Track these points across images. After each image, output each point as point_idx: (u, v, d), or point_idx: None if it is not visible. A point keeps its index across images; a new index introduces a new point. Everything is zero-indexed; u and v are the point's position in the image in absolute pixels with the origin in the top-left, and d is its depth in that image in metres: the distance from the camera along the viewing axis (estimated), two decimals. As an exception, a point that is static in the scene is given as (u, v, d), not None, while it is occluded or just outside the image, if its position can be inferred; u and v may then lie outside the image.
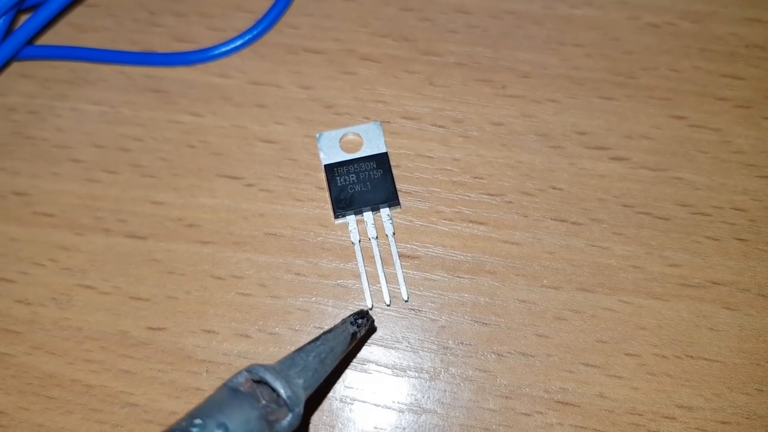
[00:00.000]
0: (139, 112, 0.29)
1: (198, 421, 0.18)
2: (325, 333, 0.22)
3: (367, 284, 0.26)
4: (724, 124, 0.28)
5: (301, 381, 0.20)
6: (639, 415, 0.24)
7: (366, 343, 0.25)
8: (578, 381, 0.25)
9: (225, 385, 0.19)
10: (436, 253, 0.26)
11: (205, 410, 0.18)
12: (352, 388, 0.25)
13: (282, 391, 0.19)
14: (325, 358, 0.21)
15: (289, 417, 0.19)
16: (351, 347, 0.22)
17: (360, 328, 0.22)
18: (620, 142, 0.28)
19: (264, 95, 0.29)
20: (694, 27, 0.30)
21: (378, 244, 0.26)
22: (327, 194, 0.27)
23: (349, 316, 0.23)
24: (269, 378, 0.19)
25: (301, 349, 0.21)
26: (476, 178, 0.27)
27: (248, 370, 0.19)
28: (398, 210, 0.27)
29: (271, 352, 0.25)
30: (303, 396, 0.19)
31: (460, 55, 0.29)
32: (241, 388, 0.19)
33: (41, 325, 0.25)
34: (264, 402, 0.19)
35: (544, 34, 0.30)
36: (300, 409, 0.19)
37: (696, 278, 0.26)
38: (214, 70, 0.29)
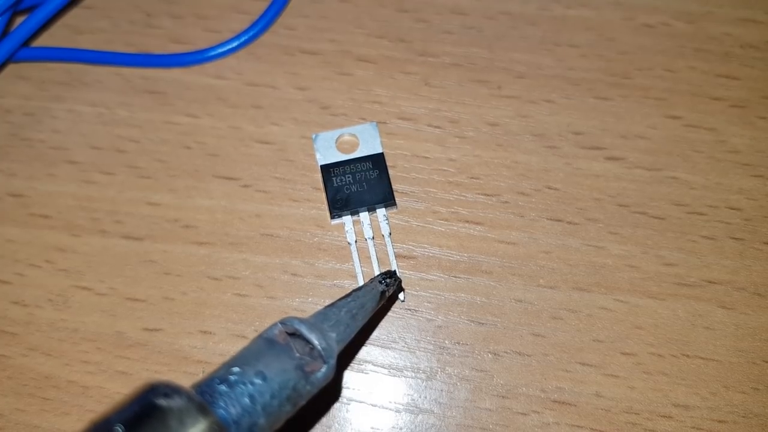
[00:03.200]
0: (135, 113, 0.29)
1: (236, 369, 0.18)
2: (355, 290, 0.22)
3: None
4: (719, 124, 0.28)
5: (334, 334, 0.20)
6: (636, 414, 0.24)
7: (367, 342, 0.25)
8: (575, 380, 0.25)
9: (260, 336, 0.19)
10: (432, 253, 0.26)
11: (242, 359, 0.18)
12: (348, 388, 0.25)
13: (317, 343, 0.19)
14: (357, 313, 0.21)
15: (324, 369, 0.19)
16: (380, 305, 0.22)
17: (388, 287, 0.23)
18: (616, 142, 0.28)
19: (260, 96, 0.29)
20: (689, 27, 0.30)
21: (374, 245, 0.26)
22: (323, 195, 0.27)
23: (377, 275, 0.23)
24: (304, 330, 0.19)
25: (332, 304, 0.21)
26: (472, 178, 0.27)
27: (282, 322, 0.19)
28: (394, 210, 0.27)
29: (268, 353, 0.25)
30: (336, 348, 0.19)
31: (455, 56, 0.30)
32: (277, 339, 0.19)
33: (37, 327, 0.25)
34: (298, 354, 0.19)
35: (539, 35, 0.30)
36: (334, 361, 0.19)
37: (692, 277, 0.26)
38: (211, 71, 0.29)
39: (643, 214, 0.27)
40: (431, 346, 0.25)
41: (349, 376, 0.25)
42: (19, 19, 0.29)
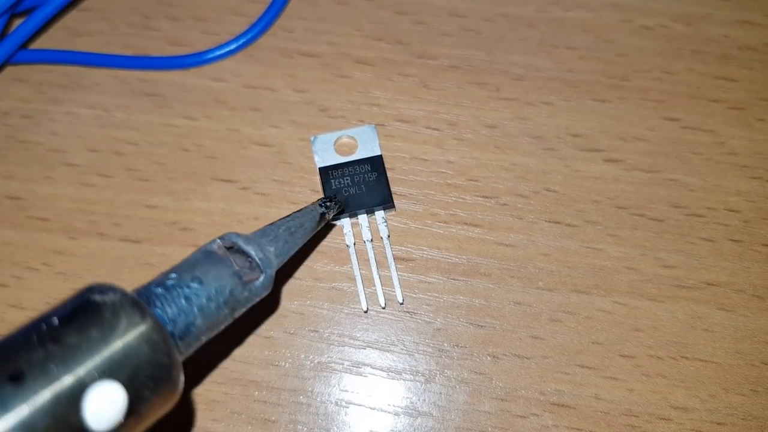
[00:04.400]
0: (133, 115, 0.29)
1: (173, 275, 0.18)
2: (294, 212, 0.22)
3: (362, 287, 0.26)
4: (717, 126, 0.28)
5: (272, 248, 0.20)
6: (635, 416, 0.24)
7: (361, 345, 0.25)
8: (574, 383, 0.25)
9: (199, 249, 0.20)
10: (431, 255, 0.26)
11: (180, 267, 0.19)
12: (347, 391, 0.25)
13: (254, 254, 0.20)
14: (295, 231, 0.22)
15: (262, 277, 0.19)
16: (319, 228, 0.23)
17: (328, 210, 0.23)
18: (614, 144, 0.28)
19: (258, 99, 0.29)
20: (687, 29, 0.30)
21: (373, 247, 0.26)
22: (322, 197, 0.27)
23: (318, 199, 0.24)
24: (241, 242, 0.20)
25: (271, 223, 0.21)
26: (471, 180, 0.27)
27: (220, 237, 0.20)
28: (393, 213, 0.27)
29: (266, 356, 0.25)
30: (275, 261, 0.20)
31: (454, 58, 0.30)
32: (215, 251, 0.19)
33: (35, 330, 0.25)
34: (237, 267, 0.19)
35: (537, 37, 0.30)
36: (272, 271, 0.20)
37: (690, 279, 0.26)
38: (209, 73, 0.29)
39: (641, 216, 0.27)
40: (430, 349, 0.25)
41: (347, 379, 0.25)
42: (17, 22, 0.29)
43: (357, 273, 0.26)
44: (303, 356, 0.25)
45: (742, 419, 0.24)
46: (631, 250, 0.26)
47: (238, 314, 0.19)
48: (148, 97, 0.29)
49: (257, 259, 0.20)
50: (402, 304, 0.26)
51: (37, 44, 0.30)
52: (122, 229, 0.27)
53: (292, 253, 0.21)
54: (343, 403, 0.25)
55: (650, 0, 0.31)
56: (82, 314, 0.16)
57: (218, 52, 0.29)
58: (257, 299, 0.20)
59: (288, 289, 0.26)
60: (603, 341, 0.25)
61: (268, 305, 0.26)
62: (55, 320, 0.15)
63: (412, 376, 0.25)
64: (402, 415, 0.24)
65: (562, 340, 0.25)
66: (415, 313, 0.26)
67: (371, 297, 0.26)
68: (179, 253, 0.26)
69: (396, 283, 0.26)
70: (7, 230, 0.27)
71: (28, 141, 0.28)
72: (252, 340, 0.25)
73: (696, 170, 0.28)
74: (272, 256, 0.20)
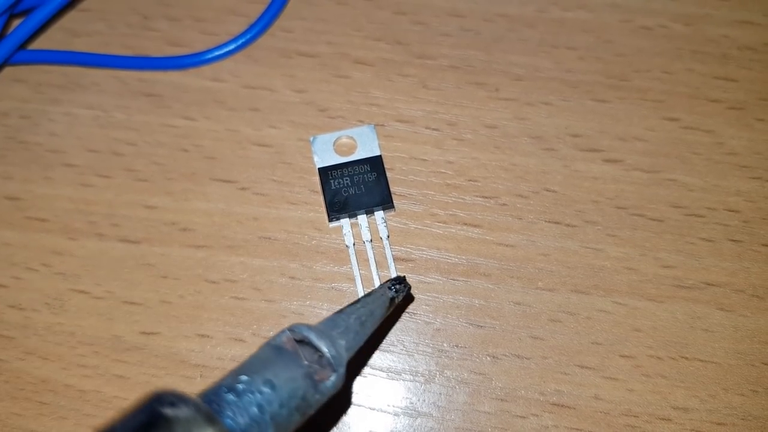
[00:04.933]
0: (132, 116, 0.29)
1: (244, 377, 0.17)
2: (364, 297, 0.21)
3: (361, 287, 0.26)
4: (717, 126, 0.28)
5: (343, 342, 0.19)
6: (634, 416, 0.24)
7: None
8: (573, 383, 0.24)
9: (268, 343, 0.18)
10: (430, 255, 0.26)
11: (251, 367, 0.18)
12: (346, 391, 0.25)
13: (326, 350, 0.18)
14: (366, 321, 0.20)
15: (334, 377, 0.18)
16: (389, 312, 0.22)
17: (398, 294, 0.22)
18: (613, 144, 0.28)
19: (257, 99, 0.29)
20: (687, 29, 0.30)
21: (372, 247, 0.26)
22: (321, 197, 0.27)
23: (387, 281, 0.22)
24: (313, 337, 0.18)
25: (341, 311, 0.20)
26: (470, 180, 0.27)
27: (290, 329, 0.19)
28: (392, 213, 0.27)
29: (266, 356, 0.25)
30: (346, 356, 0.19)
31: (453, 59, 0.30)
32: (285, 347, 0.18)
33: (34, 330, 0.25)
34: (307, 362, 0.18)
35: (537, 37, 0.30)
36: (343, 369, 0.19)
37: (690, 279, 0.26)
38: (208, 74, 0.29)
39: (641, 216, 0.27)
40: (429, 349, 0.25)
41: (346, 380, 0.25)
42: (16, 22, 0.29)
43: (356, 273, 0.26)
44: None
45: (742, 419, 0.24)
46: (630, 250, 0.26)
47: (307, 416, 0.18)
48: (147, 98, 0.29)
49: (329, 357, 0.18)
50: (400, 303, 0.26)
51: (36, 45, 0.30)
52: (121, 229, 0.27)
53: (362, 343, 0.20)
54: (343, 404, 0.24)
55: (650, 0, 0.31)
56: (152, 431, 0.15)
57: (217, 53, 0.29)
58: (327, 399, 0.19)
59: (287, 289, 0.26)
60: (603, 341, 0.25)
61: (269, 309, 0.26)
62: None
63: (411, 377, 0.25)
64: (401, 416, 0.24)
65: (561, 340, 0.25)
66: (414, 314, 0.25)
67: (371, 297, 0.26)
68: (178, 254, 0.26)
69: (395, 283, 0.26)
70: (6, 231, 0.27)
71: (27, 141, 0.28)
72: (252, 340, 0.25)
73: (696, 170, 0.27)
74: (344, 352, 0.19)
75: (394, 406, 0.24)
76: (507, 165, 0.28)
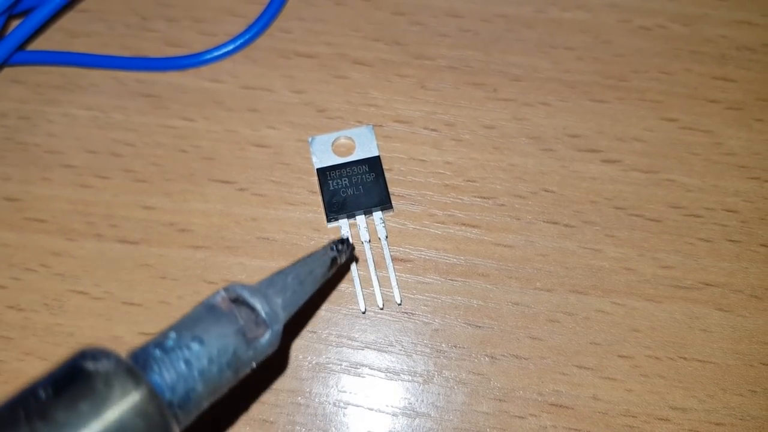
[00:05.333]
0: (130, 117, 0.29)
1: (172, 334, 0.17)
2: (304, 257, 0.21)
3: (360, 288, 0.26)
4: (715, 126, 0.28)
5: (279, 300, 0.19)
6: (633, 417, 0.24)
7: (359, 346, 0.25)
8: (572, 383, 0.24)
9: (201, 302, 0.18)
10: (428, 256, 0.26)
11: (180, 325, 0.18)
12: (345, 392, 0.25)
13: (260, 308, 0.18)
14: (304, 280, 0.20)
15: (268, 334, 0.18)
16: (331, 273, 0.22)
17: (340, 254, 0.22)
18: (612, 145, 0.28)
19: (256, 100, 0.29)
20: (685, 30, 0.30)
21: (371, 248, 0.26)
22: (319, 198, 0.27)
23: (329, 242, 0.22)
24: (246, 295, 0.18)
25: (279, 271, 0.20)
26: (468, 181, 0.27)
27: (225, 289, 0.19)
28: (391, 213, 0.27)
29: (264, 357, 0.25)
30: (282, 315, 0.19)
31: (451, 59, 0.30)
32: (219, 306, 0.18)
33: (33, 331, 0.25)
34: (242, 322, 0.18)
35: (535, 38, 0.30)
36: (279, 327, 0.19)
37: (688, 280, 0.26)
38: (206, 74, 0.29)
39: (639, 216, 0.27)
40: (428, 350, 0.25)
41: (345, 380, 0.25)
42: (15, 23, 0.29)
43: (355, 274, 0.26)
44: (301, 357, 0.25)
45: (740, 419, 0.24)
46: (629, 250, 0.26)
47: (242, 375, 0.18)
48: (146, 98, 0.29)
49: (263, 314, 0.18)
50: (400, 304, 0.26)
51: (35, 45, 0.30)
52: (120, 230, 0.27)
53: (301, 303, 0.20)
54: (341, 404, 0.25)
55: (648, 0, 0.31)
56: (72, 385, 0.15)
57: (216, 53, 0.29)
58: (263, 358, 0.18)
59: (286, 290, 0.26)
60: (601, 342, 0.25)
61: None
62: (42, 394, 0.14)
63: (410, 377, 0.25)
64: (400, 416, 0.24)
65: (560, 340, 0.25)
66: (413, 314, 0.26)
67: (369, 298, 0.26)
68: (177, 255, 0.26)
69: (394, 283, 0.26)
70: (4, 232, 0.27)
71: (25, 142, 0.28)
72: (250, 341, 0.25)
73: (694, 171, 0.27)
74: (279, 310, 0.19)
75: (392, 407, 0.24)
76: (505, 165, 0.28)
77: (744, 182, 0.27)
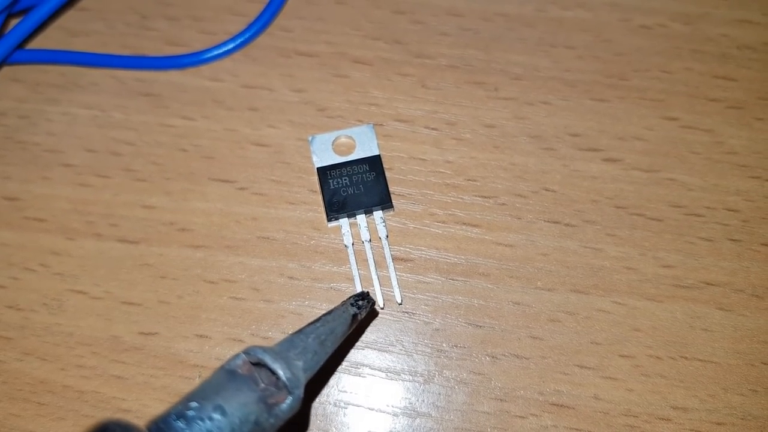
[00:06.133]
0: (130, 116, 0.29)
1: (194, 404, 0.17)
2: (324, 315, 0.21)
3: (360, 287, 0.25)
4: (716, 125, 0.28)
5: (300, 363, 0.19)
6: (634, 416, 0.24)
7: (360, 346, 0.25)
8: (573, 383, 0.24)
9: (222, 367, 0.18)
10: (429, 255, 0.26)
11: (201, 393, 0.17)
12: (345, 392, 0.25)
13: (281, 373, 0.18)
14: (325, 339, 0.20)
15: (289, 400, 0.18)
16: (351, 329, 0.21)
17: (361, 310, 0.22)
18: (613, 144, 0.28)
19: (256, 98, 0.29)
20: (686, 29, 0.30)
21: (371, 247, 0.26)
22: (320, 197, 0.27)
23: (350, 298, 0.22)
24: (268, 360, 0.18)
25: (300, 331, 0.20)
26: (469, 180, 0.27)
27: (246, 352, 0.18)
28: (391, 213, 0.27)
29: (265, 357, 0.25)
30: (303, 378, 0.19)
31: (452, 58, 0.29)
32: (239, 371, 0.18)
33: (32, 331, 0.25)
34: (263, 385, 0.18)
35: (536, 37, 0.30)
36: (300, 391, 0.18)
37: (689, 279, 0.26)
38: (206, 73, 0.29)
39: (640, 215, 0.27)
40: (428, 349, 0.25)
41: (345, 380, 0.25)
42: (14, 22, 0.29)
43: (355, 273, 0.26)
44: (301, 357, 0.25)
45: (742, 419, 0.24)
46: (630, 249, 0.26)
47: None
48: (146, 97, 0.29)
49: (285, 380, 0.18)
50: (401, 304, 0.25)
51: (34, 44, 0.30)
52: (120, 229, 0.27)
53: (321, 363, 0.20)
54: (342, 404, 0.24)
55: (649, -1, 0.31)
56: None
57: (216, 52, 0.29)
58: (283, 423, 0.18)
59: (286, 289, 0.26)
60: (602, 341, 0.25)
61: (267, 309, 0.26)
62: None
63: (410, 377, 0.25)
64: (401, 416, 0.24)
65: (561, 340, 0.25)
66: (413, 314, 0.25)
67: (370, 297, 0.26)
68: (177, 254, 0.26)
69: (394, 283, 0.26)
70: (4, 231, 0.27)
71: (25, 141, 0.28)
72: (250, 340, 0.25)
73: (695, 170, 0.27)
74: (300, 373, 0.19)
75: (393, 407, 0.24)
76: (506, 164, 0.28)
77: (745, 181, 0.27)
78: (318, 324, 0.20)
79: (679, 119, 0.28)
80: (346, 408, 0.24)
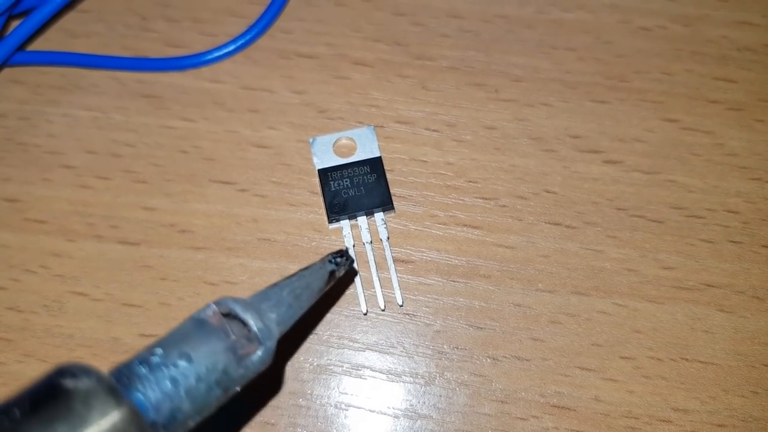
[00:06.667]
0: (131, 117, 0.29)
1: (159, 350, 0.16)
2: (301, 270, 0.20)
3: (361, 289, 0.25)
4: (716, 127, 0.28)
5: (274, 315, 0.18)
6: (635, 418, 0.24)
7: (361, 348, 0.25)
8: (574, 385, 0.24)
9: (191, 317, 0.18)
10: (430, 257, 0.26)
11: (168, 340, 0.17)
12: (346, 394, 0.25)
13: (252, 323, 0.18)
14: (301, 294, 0.19)
15: (260, 352, 0.18)
16: (328, 287, 0.21)
17: (339, 267, 0.21)
18: (613, 146, 0.28)
19: (257, 100, 0.29)
20: (686, 30, 0.30)
21: (372, 249, 0.26)
22: (321, 199, 0.27)
23: (328, 255, 0.21)
24: (239, 309, 0.18)
25: (275, 284, 0.19)
26: (470, 182, 0.27)
27: (216, 302, 0.18)
28: (392, 214, 0.27)
29: (265, 358, 0.25)
30: (276, 331, 0.18)
31: (452, 60, 0.29)
32: (209, 320, 0.18)
33: (33, 333, 0.25)
34: (233, 337, 0.17)
35: (536, 38, 0.30)
36: (272, 343, 0.18)
37: (690, 281, 0.26)
38: (207, 75, 0.29)
39: (641, 217, 0.27)
40: (430, 351, 0.25)
41: (346, 382, 0.25)
42: (15, 23, 0.29)
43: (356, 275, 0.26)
44: (302, 359, 0.25)
45: (743, 421, 0.24)
46: (630, 251, 0.26)
47: (232, 393, 0.17)
48: (146, 99, 0.29)
49: (256, 330, 0.18)
50: (402, 306, 0.25)
51: (35, 46, 0.30)
52: (120, 231, 0.27)
53: (296, 318, 0.19)
54: (343, 406, 0.24)
55: (649, 1, 0.31)
56: (49, 404, 0.14)
57: (216, 54, 0.29)
58: (254, 375, 0.18)
59: (287, 291, 0.26)
60: (603, 343, 0.25)
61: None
62: (17, 412, 0.14)
63: (411, 379, 0.25)
64: (402, 418, 0.24)
65: (562, 341, 0.25)
66: (414, 315, 0.25)
67: (371, 299, 0.26)
68: (177, 256, 0.26)
69: (395, 285, 0.26)
70: (4, 232, 0.27)
71: (25, 143, 0.28)
72: (251, 342, 0.25)
73: (695, 171, 0.27)
74: (273, 325, 0.18)
75: (394, 408, 0.24)
76: (507, 166, 0.28)
77: (745, 183, 0.27)
78: (294, 278, 0.20)
79: (680, 121, 0.28)
80: (347, 410, 0.24)
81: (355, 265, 0.26)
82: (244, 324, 0.18)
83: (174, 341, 0.17)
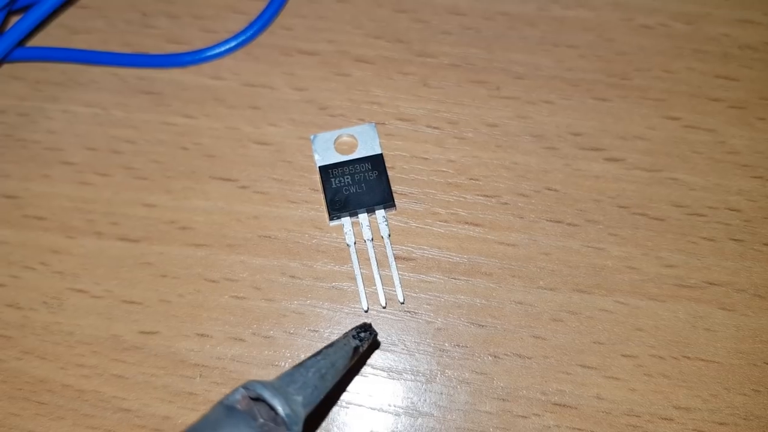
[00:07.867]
0: (131, 114, 0.29)
1: None
2: (326, 347, 0.21)
3: (362, 286, 0.25)
4: (718, 125, 0.28)
5: (300, 398, 0.19)
6: (636, 416, 0.24)
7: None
8: (575, 383, 0.24)
9: (221, 402, 0.18)
10: (431, 254, 0.26)
11: (199, 429, 0.17)
12: (347, 391, 0.24)
13: (280, 409, 0.18)
14: (326, 373, 0.20)
15: None
16: (353, 362, 0.21)
17: (363, 342, 0.21)
18: (615, 143, 0.28)
19: (258, 97, 0.29)
20: (688, 28, 0.30)
21: (373, 246, 0.26)
22: (322, 196, 0.27)
23: (351, 330, 0.22)
24: (267, 395, 0.18)
25: (300, 364, 0.20)
26: (471, 179, 0.27)
27: (245, 386, 0.18)
28: (393, 212, 0.27)
29: (266, 356, 0.25)
30: (302, 413, 0.19)
31: (454, 57, 0.29)
32: (238, 406, 0.18)
33: (32, 330, 0.25)
34: (261, 420, 0.18)
35: (537, 36, 0.30)
36: (299, 428, 0.18)
37: (692, 279, 0.26)
38: (207, 71, 0.29)
39: (642, 215, 0.27)
40: (431, 349, 0.25)
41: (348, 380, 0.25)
42: (14, 19, 0.29)
43: (357, 272, 0.26)
44: (303, 356, 0.25)
45: (744, 419, 0.24)
46: (632, 249, 0.26)
47: None
48: (147, 95, 0.29)
49: (283, 415, 0.18)
50: (403, 303, 0.25)
51: (35, 42, 0.30)
52: (120, 228, 0.27)
53: (321, 398, 0.20)
54: (344, 404, 0.24)
55: (650, -1, 0.31)
56: None
57: (217, 50, 0.29)
58: None
59: (288, 288, 0.26)
60: (604, 341, 0.25)
61: (269, 309, 0.26)
62: None
63: (412, 376, 0.25)
64: (403, 416, 0.24)
65: (563, 339, 0.25)
66: (415, 313, 0.25)
67: (372, 296, 0.25)
68: (177, 253, 0.26)
69: (397, 282, 0.25)
70: (3, 229, 0.27)
71: (25, 139, 0.28)
72: (251, 340, 0.25)
73: (697, 169, 0.27)
74: (300, 409, 0.19)
75: (395, 406, 0.24)
76: (508, 164, 0.28)
77: (747, 181, 0.27)
78: (319, 357, 0.20)
79: (681, 119, 0.28)
80: (348, 408, 0.24)
81: (357, 269, 0.25)
82: (272, 408, 0.18)
83: (205, 430, 0.17)
